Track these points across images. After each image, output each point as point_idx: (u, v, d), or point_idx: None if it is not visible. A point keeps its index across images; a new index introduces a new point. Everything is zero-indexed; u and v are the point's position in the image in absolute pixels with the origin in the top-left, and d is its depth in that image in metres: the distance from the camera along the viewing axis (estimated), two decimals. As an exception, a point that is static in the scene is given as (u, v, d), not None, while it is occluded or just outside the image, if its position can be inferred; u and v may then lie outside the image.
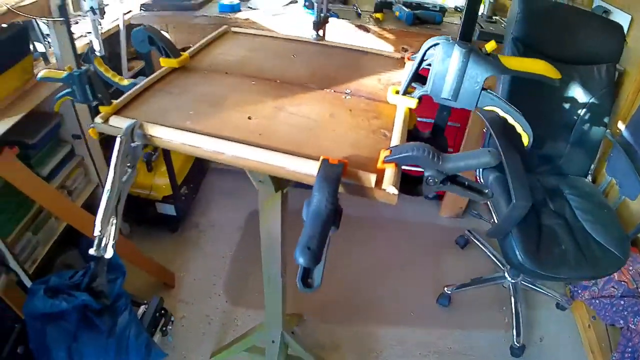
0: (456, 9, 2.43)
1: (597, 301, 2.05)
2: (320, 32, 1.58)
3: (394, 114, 1.09)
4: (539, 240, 1.82)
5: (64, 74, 1.15)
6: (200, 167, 3.03)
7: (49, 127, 2.05)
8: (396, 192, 0.84)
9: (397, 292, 2.41)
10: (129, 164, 0.96)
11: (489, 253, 2.47)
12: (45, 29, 2.01)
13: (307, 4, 2.30)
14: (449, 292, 2.33)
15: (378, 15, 2.27)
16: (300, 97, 1.14)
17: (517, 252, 1.75)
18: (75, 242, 2.18)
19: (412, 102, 1.09)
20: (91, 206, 2.20)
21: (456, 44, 0.97)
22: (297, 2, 2.46)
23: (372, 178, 0.85)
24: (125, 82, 1.21)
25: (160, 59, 1.29)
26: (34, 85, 1.90)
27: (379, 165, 0.88)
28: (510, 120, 1.04)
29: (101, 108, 1.06)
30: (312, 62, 1.34)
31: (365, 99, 1.16)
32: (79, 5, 2.25)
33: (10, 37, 1.77)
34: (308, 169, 0.87)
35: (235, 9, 2.38)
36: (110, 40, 2.32)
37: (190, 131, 0.95)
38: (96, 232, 0.90)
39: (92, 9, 2.02)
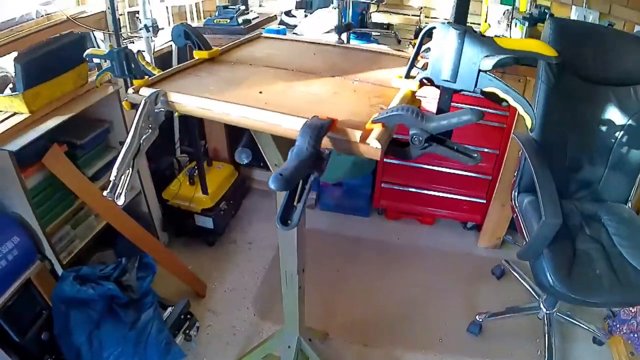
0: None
1: (636, 335, 1.92)
2: (344, 37, 1.65)
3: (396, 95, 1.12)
4: (572, 264, 1.75)
5: (106, 51, 1.31)
6: (243, 186, 3.12)
7: (98, 131, 2.19)
8: (379, 146, 0.87)
9: (428, 318, 2.35)
10: (150, 126, 1.06)
11: (524, 283, 2.38)
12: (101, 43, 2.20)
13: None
14: (480, 320, 2.24)
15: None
16: (311, 81, 1.21)
17: (548, 274, 1.69)
18: (112, 243, 2.28)
19: (414, 84, 1.11)
20: (130, 210, 2.29)
21: (451, 26, 1.00)
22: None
23: (358, 133, 0.89)
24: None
25: (194, 51, 1.41)
26: (87, 91, 2.06)
27: (368, 125, 0.92)
28: (512, 102, 1.04)
29: (135, 81, 1.18)
30: (329, 59, 1.41)
31: (372, 84, 1.20)
32: (136, 25, 2.44)
33: (68, 43, 1.94)
34: (300, 125, 0.91)
35: (280, 33, 2.50)
36: (163, 58, 2.48)
37: (206, 98, 1.05)
38: (111, 177, 0.99)
39: (145, 26, 2.20)
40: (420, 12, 2.75)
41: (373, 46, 1.52)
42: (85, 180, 2.04)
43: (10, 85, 1.92)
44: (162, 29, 2.42)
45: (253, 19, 2.66)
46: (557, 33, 1.88)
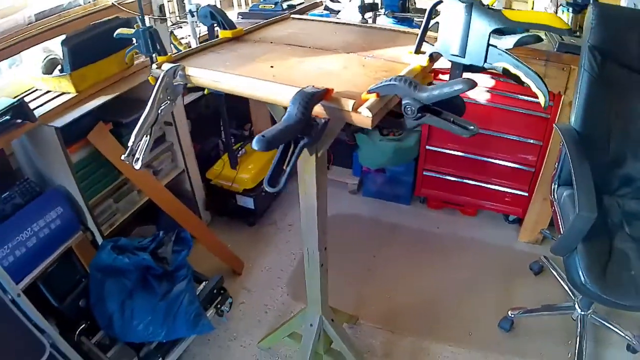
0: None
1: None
2: (367, 16, 1.65)
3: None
4: (607, 263, 1.67)
5: (133, 30, 1.41)
6: (286, 170, 3.16)
7: (142, 111, 2.29)
8: (370, 114, 0.90)
9: (459, 311, 2.32)
10: (169, 97, 1.17)
11: (561, 281, 2.28)
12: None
13: (387, 12, 2.36)
14: (512, 316, 2.18)
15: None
16: (323, 57, 1.25)
17: (580, 272, 1.63)
18: (154, 219, 2.39)
19: (423, 59, 1.11)
20: (173, 189, 2.39)
21: None
22: (379, 14, 2.53)
23: (350, 102, 0.93)
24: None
25: (220, 31, 1.48)
26: (131, 74, 2.17)
27: (363, 96, 0.94)
28: (523, 78, 1.02)
29: (159, 58, 1.27)
30: (348, 37, 1.42)
31: (384, 60, 1.21)
32: (183, 10, 2.52)
33: (113, 27, 2.03)
34: (297, 94, 0.95)
35: (323, 18, 2.51)
36: (209, 42, 2.55)
37: (219, 72, 1.13)
38: (129, 143, 1.10)
39: (190, 11, 2.27)
40: (469, -2, 2.66)
41: (395, 26, 1.51)
42: (128, 157, 2.15)
43: (59, 67, 2.04)
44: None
45: (298, 4, 2.69)
46: (600, 19, 1.79)
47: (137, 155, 1.13)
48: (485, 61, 1.00)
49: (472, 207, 2.88)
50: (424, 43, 1.14)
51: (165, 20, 2.22)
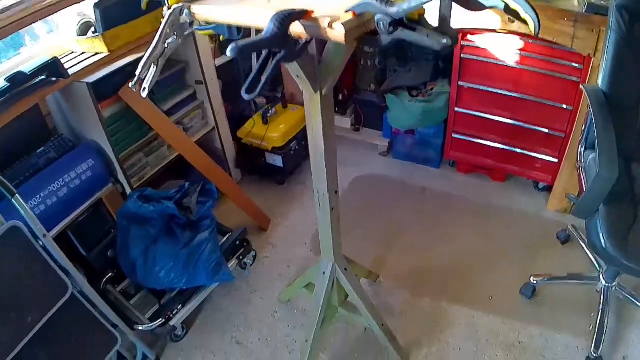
0: None
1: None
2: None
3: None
4: (630, 228, 1.64)
5: None
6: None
7: (174, 70, 2.39)
8: (343, 30, 0.94)
9: (481, 275, 2.32)
10: (175, 33, 1.22)
11: (587, 252, 2.24)
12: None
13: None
14: (535, 283, 2.16)
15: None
16: None
17: (602, 235, 1.60)
18: (184, 174, 2.48)
19: None
20: (204, 147, 2.47)
21: None
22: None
23: (326, 20, 0.96)
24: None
25: None
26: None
27: (341, 16, 0.97)
28: (512, 4, 0.99)
29: (170, 1, 1.32)
30: None
31: None
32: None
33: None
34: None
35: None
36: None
37: (219, 6, 1.18)
38: (137, 72, 1.16)
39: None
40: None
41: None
42: (159, 113, 2.24)
43: (92, 29, 2.12)
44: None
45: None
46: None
47: (144, 85, 1.20)
48: None
49: (501, 173, 2.84)
50: None
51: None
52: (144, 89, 1.19)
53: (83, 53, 2.08)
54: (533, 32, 0.94)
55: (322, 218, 1.62)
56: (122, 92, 2.07)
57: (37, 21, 1.87)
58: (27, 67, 1.78)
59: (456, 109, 2.68)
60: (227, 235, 2.27)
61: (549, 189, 2.67)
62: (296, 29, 0.99)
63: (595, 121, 1.65)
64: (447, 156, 2.93)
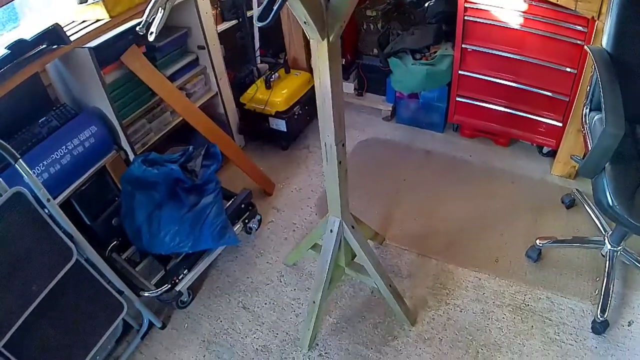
0: None
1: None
2: None
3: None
4: (636, 188, 1.64)
5: None
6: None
7: (175, 35, 2.36)
8: None
9: (487, 238, 2.33)
10: None
11: (592, 215, 2.24)
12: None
13: None
14: (541, 246, 2.16)
15: None
16: None
17: (608, 193, 1.61)
18: (187, 140, 2.47)
19: None
20: (207, 112, 2.46)
21: None
22: None
23: None
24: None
25: None
26: (165, -1, 2.18)
27: None
28: None
29: None
30: None
31: None
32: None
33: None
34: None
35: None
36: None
37: None
38: (144, 16, 1.17)
39: None
40: None
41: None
42: (162, 78, 2.22)
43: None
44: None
45: None
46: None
47: (152, 29, 1.20)
48: None
49: (505, 137, 2.83)
50: None
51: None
52: (151, 32, 1.18)
53: (84, 21, 2.05)
54: None
55: (329, 172, 1.59)
56: (125, 57, 2.06)
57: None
58: (28, 35, 1.75)
59: (460, 71, 2.66)
60: (232, 199, 2.27)
61: (553, 153, 2.67)
62: None
63: (600, 79, 1.63)
64: (451, 120, 2.91)
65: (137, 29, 1.19)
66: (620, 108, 1.53)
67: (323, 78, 1.34)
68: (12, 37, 1.99)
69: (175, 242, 1.93)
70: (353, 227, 1.78)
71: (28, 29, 2.01)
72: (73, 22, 2.07)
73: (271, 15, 0.95)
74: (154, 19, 1.18)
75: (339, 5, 1.18)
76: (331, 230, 1.76)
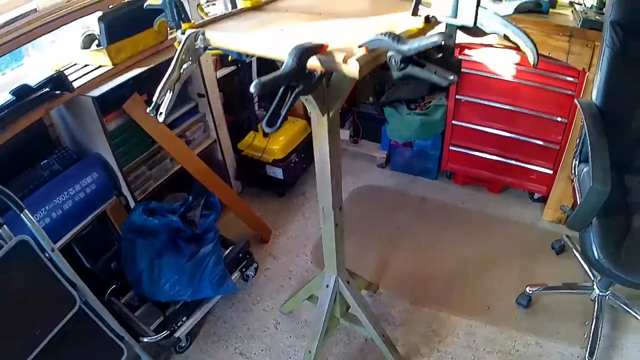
0: (571, 2, 2.28)
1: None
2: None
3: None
4: (622, 240, 1.68)
5: (161, 1, 1.52)
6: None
7: (177, 83, 2.40)
8: (357, 65, 0.98)
9: (479, 285, 2.36)
10: (190, 58, 1.26)
11: (582, 261, 2.28)
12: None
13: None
14: (530, 293, 2.20)
15: (485, 1, 2.25)
16: (330, 22, 1.32)
17: (595, 247, 1.64)
18: (186, 187, 2.50)
19: (419, 21, 1.15)
20: (205, 158, 2.50)
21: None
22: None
23: (341, 55, 1.00)
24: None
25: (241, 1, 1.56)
26: (166, 47, 2.26)
27: (354, 50, 1.02)
28: (512, 37, 1.04)
29: (184, 25, 1.37)
30: (360, 5, 1.49)
31: (386, 23, 1.26)
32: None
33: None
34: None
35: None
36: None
37: (233, 33, 1.24)
38: (154, 98, 1.21)
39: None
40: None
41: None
42: (162, 126, 2.26)
43: (96, 42, 2.15)
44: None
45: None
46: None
47: (160, 110, 1.24)
48: (475, 22, 1.03)
49: (498, 184, 2.89)
50: (421, 6, 1.18)
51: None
52: (161, 113, 1.22)
53: (86, 65, 2.12)
54: (532, 63, 0.99)
55: (326, 233, 1.67)
56: (127, 105, 2.11)
57: (43, 34, 1.90)
58: (32, 81, 1.81)
59: (453, 121, 2.73)
60: (230, 248, 2.30)
61: (544, 199, 2.73)
62: (313, 62, 1.03)
63: (588, 136, 1.69)
64: (444, 168, 2.97)
65: (147, 111, 1.23)
66: (607, 166, 1.58)
67: (322, 149, 1.41)
68: (17, 74, 2.07)
69: (175, 291, 1.96)
70: (348, 282, 1.84)
71: (32, 68, 2.09)
72: (75, 64, 2.14)
73: (279, 121, 0.98)
74: (163, 100, 1.22)
75: (339, 84, 1.24)
76: (327, 286, 1.83)
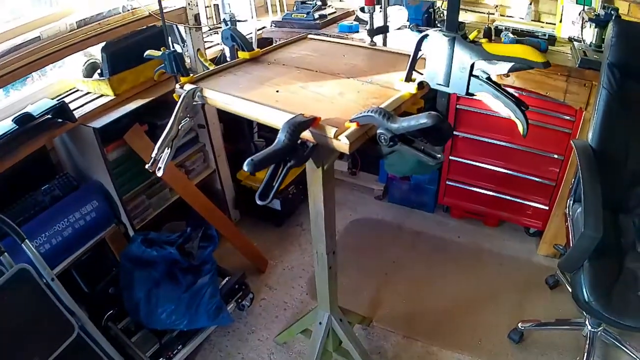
0: (570, 39, 2.34)
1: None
2: (376, 39, 1.74)
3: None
4: (614, 282, 1.69)
5: (161, 53, 1.58)
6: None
7: (178, 115, 2.44)
8: (348, 142, 1.02)
9: (472, 319, 2.36)
10: (189, 115, 1.32)
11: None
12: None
13: (411, 26, 2.44)
14: (522, 328, 2.20)
15: (483, 40, 2.31)
16: (326, 82, 1.36)
17: (585, 290, 1.65)
18: (184, 215, 2.53)
19: (412, 87, 1.19)
20: (204, 188, 2.54)
21: (442, 33, 1.07)
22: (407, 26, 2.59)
23: (332, 130, 1.04)
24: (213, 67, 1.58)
25: (239, 52, 1.60)
26: (166, 79, 2.29)
27: (346, 124, 1.05)
28: (503, 111, 1.08)
29: (182, 78, 1.41)
30: (354, 60, 1.52)
31: (380, 86, 1.31)
32: (220, 17, 2.66)
33: (150, 36, 2.20)
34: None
35: (353, 29, 2.61)
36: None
37: (230, 95, 1.28)
38: (152, 154, 1.25)
39: (224, 20, 2.40)
40: (496, 10, 2.71)
41: (399, 48, 1.59)
42: (162, 158, 2.29)
43: (99, 71, 2.21)
44: (245, 21, 2.62)
45: (329, 14, 2.77)
46: (620, 37, 1.80)
47: (159, 165, 1.28)
48: (467, 91, 1.07)
49: (494, 218, 2.91)
50: (414, 72, 1.21)
51: (200, 28, 2.35)
52: (160, 168, 1.26)
53: (88, 93, 2.17)
54: (522, 134, 1.03)
55: (319, 275, 1.72)
56: (128, 136, 2.15)
57: (48, 64, 1.96)
58: (35, 109, 1.85)
59: (451, 157, 2.76)
60: (227, 279, 2.32)
61: (539, 234, 2.75)
62: (305, 134, 1.08)
63: (582, 181, 1.71)
64: (441, 201, 3.00)
65: (146, 167, 1.27)
66: (599, 211, 1.59)
67: (317, 199, 1.46)
68: (18, 97, 2.10)
69: (171, 320, 1.97)
70: (341, 319, 1.88)
71: (33, 94, 2.13)
72: (77, 90, 2.20)
73: (272, 194, 1.02)
74: (161, 157, 1.26)
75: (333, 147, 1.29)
76: (320, 323, 1.87)
